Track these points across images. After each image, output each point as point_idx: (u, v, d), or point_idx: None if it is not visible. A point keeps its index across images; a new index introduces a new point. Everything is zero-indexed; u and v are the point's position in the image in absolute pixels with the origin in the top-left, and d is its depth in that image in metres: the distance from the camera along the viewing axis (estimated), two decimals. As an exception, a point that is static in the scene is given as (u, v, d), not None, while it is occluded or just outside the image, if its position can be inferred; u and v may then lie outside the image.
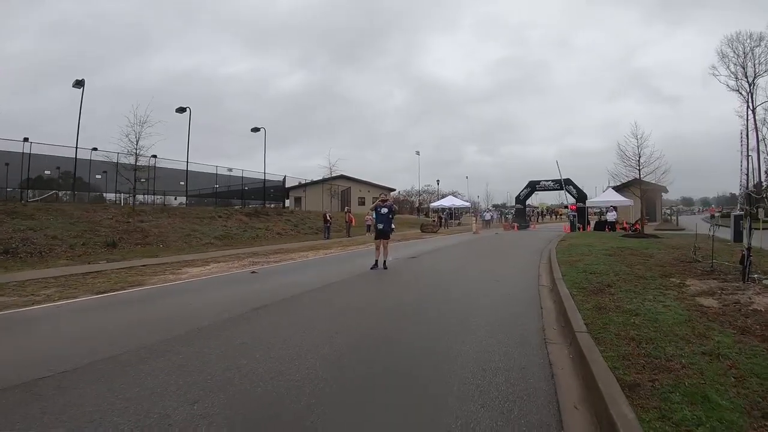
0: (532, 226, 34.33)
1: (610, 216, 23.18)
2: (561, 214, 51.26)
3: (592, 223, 27.37)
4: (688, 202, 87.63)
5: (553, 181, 29.45)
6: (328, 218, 23.96)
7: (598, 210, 29.30)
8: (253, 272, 9.59)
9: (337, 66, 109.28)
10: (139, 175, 19.09)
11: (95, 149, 20.42)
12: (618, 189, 29.32)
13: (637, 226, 22.97)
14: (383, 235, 9.71)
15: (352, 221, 25.94)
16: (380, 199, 9.90)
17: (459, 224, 38.41)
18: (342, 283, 7.81)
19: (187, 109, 23.45)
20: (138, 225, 16.45)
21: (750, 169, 47.74)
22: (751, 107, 42.19)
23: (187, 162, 23.35)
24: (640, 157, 17.47)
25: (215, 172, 26.40)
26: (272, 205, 30.44)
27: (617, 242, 14.13)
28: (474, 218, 28.65)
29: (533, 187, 30.80)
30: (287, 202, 37.63)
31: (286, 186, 33.91)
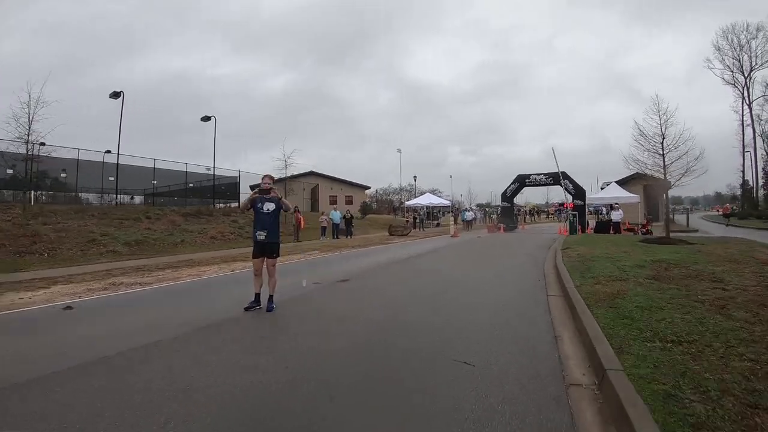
0: (521, 226, 30.18)
1: (616, 215, 19.11)
2: (551, 213, 47.50)
3: (592, 223, 23.30)
4: (676, 200, 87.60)
5: (546, 174, 25.38)
6: (271, 219, 19.10)
7: (594, 209, 25.24)
8: (67, 308, 6.02)
9: (324, 68, 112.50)
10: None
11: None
12: (619, 184, 25.47)
13: (647, 226, 18.98)
14: (266, 250, 5.15)
15: (300, 223, 21.33)
16: (261, 186, 5.27)
17: (438, 225, 34.16)
18: (146, 352, 3.57)
19: (122, 93, 20.79)
20: (36, 228, 14.48)
21: (746, 165, 45.84)
22: (747, 102, 41.79)
23: (118, 155, 20.21)
24: (663, 138, 13.26)
25: (152, 166, 22.85)
26: (220, 206, 26.03)
27: (644, 252, 10.03)
28: (452, 219, 24.16)
29: (522, 182, 26.65)
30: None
31: (252, 184, 31.20)
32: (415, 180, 45.30)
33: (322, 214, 24.15)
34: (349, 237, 23.12)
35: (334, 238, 22.66)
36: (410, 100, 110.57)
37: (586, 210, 53.46)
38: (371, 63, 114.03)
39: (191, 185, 26.21)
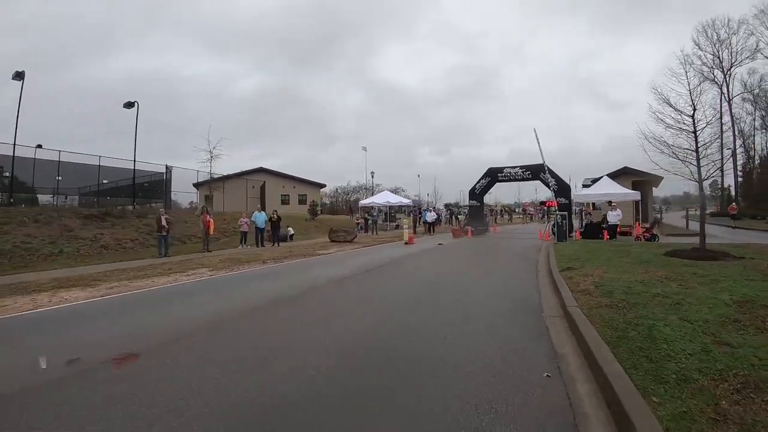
0: (492, 228, 25.88)
1: (613, 216, 15.01)
2: (530, 214, 43.87)
3: (576, 224, 19.22)
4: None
5: (523, 167, 21.23)
6: (164, 223, 14.28)
7: (579, 209, 21.22)
8: None
9: (295, 69, 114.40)
10: None
11: None
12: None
13: (652, 230, 15.04)
14: None
15: (210, 227, 16.12)
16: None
17: (397, 227, 29.56)
18: None
19: (136, 103, 14.26)
20: None
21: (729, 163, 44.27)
22: (726, 98, 40.43)
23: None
24: (695, 110, 9.10)
25: (57, 159, 18.83)
26: (131, 207, 21.40)
27: (698, 280, 5.78)
28: (409, 220, 19.43)
29: (494, 176, 22.38)
30: (196, 200, 33.40)
31: (198, 181, 29.70)
32: (372, 177, 40.69)
33: (243, 215, 18.93)
34: (276, 244, 18.03)
35: (259, 246, 17.53)
36: (381, 102, 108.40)
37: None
38: (343, 65, 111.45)
39: (105, 182, 21.64)
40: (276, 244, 18.33)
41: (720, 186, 46.05)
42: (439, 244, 16.68)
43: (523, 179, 21.72)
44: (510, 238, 19.85)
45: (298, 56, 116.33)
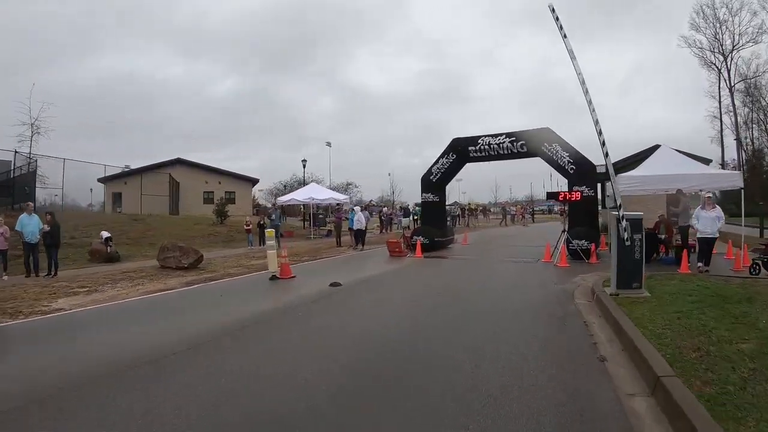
0: (463, 236, 16.74)
1: (708, 222, 6.38)
2: (512, 214, 35.11)
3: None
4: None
5: (510, 136, 12.30)
6: None
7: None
8: None
9: (268, 73, 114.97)
10: None
11: None
12: (624, 165, 12.92)
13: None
14: None
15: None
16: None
17: (328, 234, 20.69)
18: None
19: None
20: None
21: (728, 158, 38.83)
22: (727, 85, 37.70)
23: None
24: None
25: None
26: None
27: None
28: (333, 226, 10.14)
29: (463, 151, 13.48)
30: (103, 199, 31.55)
31: (106, 175, 28.47)
32: (304, 166, 31.14)
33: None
34: (51, 274, 8.36)
35: (31, 273, 7.95)
36: (353, 104, 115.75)
37: (560, 209, 41.20)
38: (315, 68, 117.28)
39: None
40: (51, 274, 8.83)
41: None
42: (333, 284, 7.53)
43: (511, 155, 12.78)
44: (491, 263, 11.02)
45: (271, 60, 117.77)
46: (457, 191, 65.11)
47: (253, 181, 41.26)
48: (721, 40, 37.13)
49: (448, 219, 28.46)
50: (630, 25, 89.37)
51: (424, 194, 14.31)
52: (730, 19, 36.04)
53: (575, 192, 10.21)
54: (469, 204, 36.90)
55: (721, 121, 38.35)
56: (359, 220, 14.81)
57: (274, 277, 9.00)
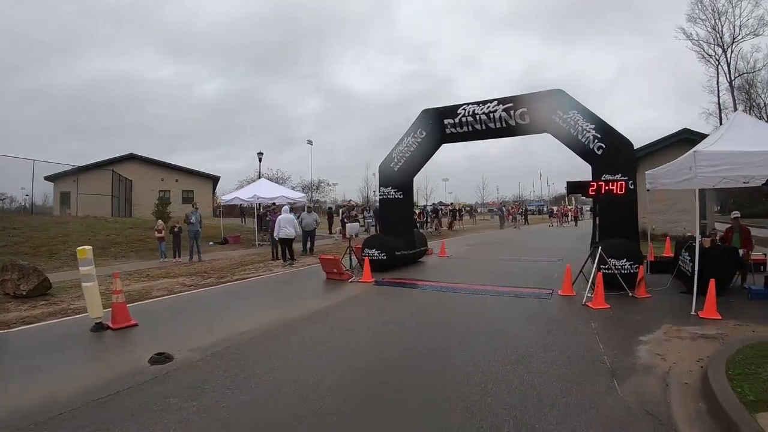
0: (441, 247, 12.59)
1: None
2: (498, 214, 30.77)
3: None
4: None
5: (504, 102, 8.10)
6: None
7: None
8: None
9: (255, 74, 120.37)
10: None
11: None
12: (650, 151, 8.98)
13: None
14: None
15: None
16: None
17: (263, 239, 16.73)
18: None
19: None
20: None
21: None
22: (727, 78, 35.85)
23: None
24: None
25: None
26: None
27: None
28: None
29: (437, 127, 9.21)
30: (49, 199, 28.34)
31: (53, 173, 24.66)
32: (260, 159, 26.89)
33: None
34: None
35: None
36: (338, 106, 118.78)
37: (562, 209, 37.82)
38: (301, 70, 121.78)
39: None
40: None
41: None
42: (156, 358, 3.70)
43: (505, 130, 8.69)
44: (480, 297, 6.90)
45: (260, 63, 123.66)
46: (443, 192, 62.16)
47: (214, 179, 38.16)
48: (720, 32, 35.06)
49: (429, 221, 24.55)
50: (619, 24, 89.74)
51: (382, 189, 10.14)
52: (731, 9, 33.97)
53: (616, 182, 6.13)
54: (453, 204, 32.93)
55: (720, 117, 36.38)
56: (284, 224, 10.59)
57: (99, 327, 4.98)
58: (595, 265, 6.24)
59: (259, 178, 26.83)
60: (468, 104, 9.05)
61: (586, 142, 7.62)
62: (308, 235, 14.17)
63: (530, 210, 40.11)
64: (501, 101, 8.64)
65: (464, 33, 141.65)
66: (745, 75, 35.42)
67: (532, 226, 29.75)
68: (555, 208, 37.06)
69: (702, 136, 16.70)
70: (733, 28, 34.44)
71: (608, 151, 7.47)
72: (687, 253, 7.15)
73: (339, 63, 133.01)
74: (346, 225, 9.79)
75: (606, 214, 7.23)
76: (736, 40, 34.65)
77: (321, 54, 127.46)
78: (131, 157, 31.90)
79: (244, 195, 19.14)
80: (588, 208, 57.88)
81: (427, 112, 9.64)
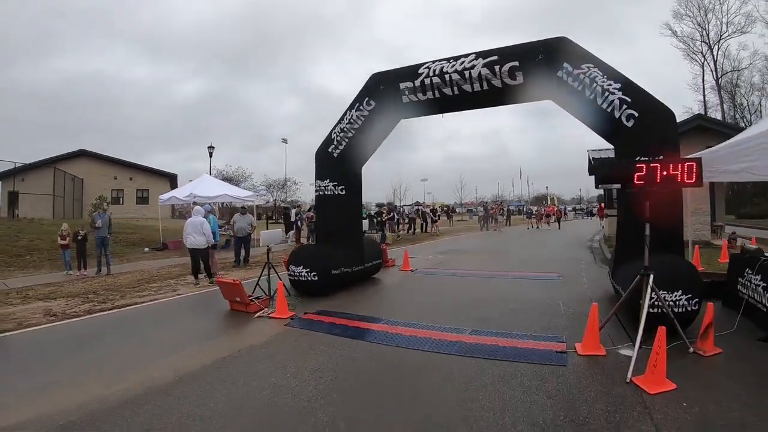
0: (405, 259, 9.81)
1: None
2: (481, 215, 28.00)
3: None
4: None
5: (486, 56, 5.43)
6: None
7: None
8: None
9: (231, 75, 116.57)
10: None
11: None
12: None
13: None
14: None
15: None
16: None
17: (226, 242, 13.99)
18: None
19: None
20: None
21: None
22: (713, 76, 35.35)
23: None
24: None
25: None
26: None
27: None
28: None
29: (391, 93, 6.33)
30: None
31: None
32: (210, 154, 23.88)
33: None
34: None
35: None
36: (315, 107, 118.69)
37: (544, 210, 36.48)
38: (278, 71, 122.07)
39: None
40: None
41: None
42: None
43: (488, 95, 5.99)
44: (448, 365, 4.42)
45: (235, 63, 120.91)
46: (422, 192, 59.81)
47: (171, 178, 34.73)
48: (707, 29, 34.49)
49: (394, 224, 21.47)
50: (595, 28, 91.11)
51: (318, 182, 7.32)
52: (718, 6, 33.58)
53: (683, 163, 3.46)
54: (428, 206, 30.43)
55: (705, 114, 35.36)
56: (189, 231, 7.77)
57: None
58: (645, 306, 3.61)
59: (210, 174, 23.71)
60: (435, 62, 6.34)
61: (609, 109, 5.03)
62: (241, 242, 11.34)
63: (512, 210, 37.95)
64: (481, 54, 5.96)
65: (440, 36, 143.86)
66: (729, 73, 34.92)
67: (514, 228, 27.38)
68: (534, 209, 35.10)
69: (718, 123, 14.63)
70: (720, 25, 33.76)
71: (644, 122, 4.89)
72: (758, 276, 4.65)
73: (315, 64, 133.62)
74: (261, 233, 6.91)
75: (645, 217, 4.64)
76: (723, 37, 33.91)
77: (298, 55, 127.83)
78: (82, 154, 29.32)
79: (181, 194, 16.18)
80: (570, 208, 56.70)
81: (377, 76, 6.89)
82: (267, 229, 16.36)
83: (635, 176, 3.50)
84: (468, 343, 4.29)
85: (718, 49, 34.63)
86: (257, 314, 5.74)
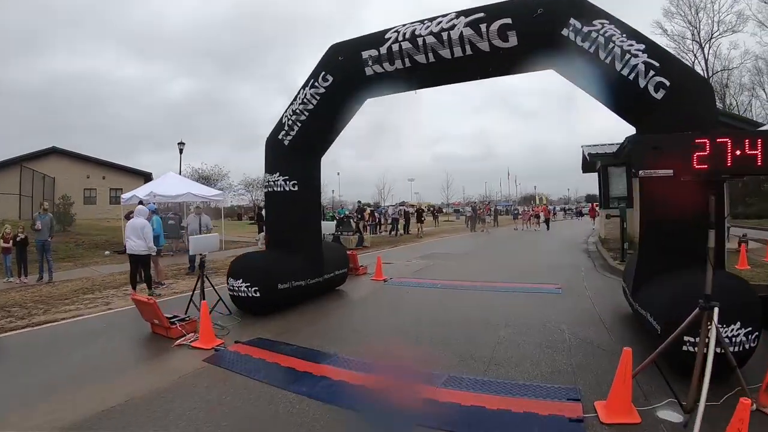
0: (377, 267, 8.47)
1: None
2: (469, 215, 26.76)
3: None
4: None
5: (463, 13, 3.96)
6: None
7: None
8: None
9: (220, 75, 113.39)
10: None
11: None
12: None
13: None
14: None
15: None
16: None
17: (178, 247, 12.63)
18: None
19: None
20: None
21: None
22: (704, 75, 33.91)
23: None
24: None
25: None
26: None
27: None
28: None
29: (353, 67, 5.12)
30: None
31: None
32: (180, 151, 22.31)
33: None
34: None
35: None
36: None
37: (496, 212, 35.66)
38: (266, 71, 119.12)
39: None
40: None
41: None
42: None
43: (474, 62, 4.75)
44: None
45: (224, 63, 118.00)
46: (409, 192, 58.56)
47: (146, 176, 33.11)
48: (698, 28, 33.92)
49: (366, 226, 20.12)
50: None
51: (267, 176, 5.99)
52: (709, 4, 32.71)
53: (760, 137, 2.26)
54: (408, 204, 29.17)
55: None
56: (128, 234, 6.53)
57: None
58: (710, 351, 2.36)
59: (179, 173, 22.11)
60: (405, 24, 5.05)
61: (631, 76, 3.78)
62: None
63: (500, 210, 36.84)
64: (463, 13, 4.67)
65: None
66: (719, 73, 34.29)
67: (502, 229, 26.23)
68: (521, 209, 34.15)
69: (733, 117, 13.49)
70: (711, 23, 33.29)
71: (676, 93, 3.66)
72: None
73: (305, 65, 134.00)
74: (191, 238, 5.58)
75: (691, 217, 3.39)
76: (714, 36, 33.45)
77: (288, 56, 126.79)
78: (53, 151, 27.98)
79: (142, 193, 14.70)
80: (559, 208, 55.61)
81: (336, 46, 5.56)
82: (260, 232, 15.07)
83: (695, 157, 2.25)
84: (440, 404, 2.95)
85: (709, 48, 34.13)
86: (177, 341, 4.43)
